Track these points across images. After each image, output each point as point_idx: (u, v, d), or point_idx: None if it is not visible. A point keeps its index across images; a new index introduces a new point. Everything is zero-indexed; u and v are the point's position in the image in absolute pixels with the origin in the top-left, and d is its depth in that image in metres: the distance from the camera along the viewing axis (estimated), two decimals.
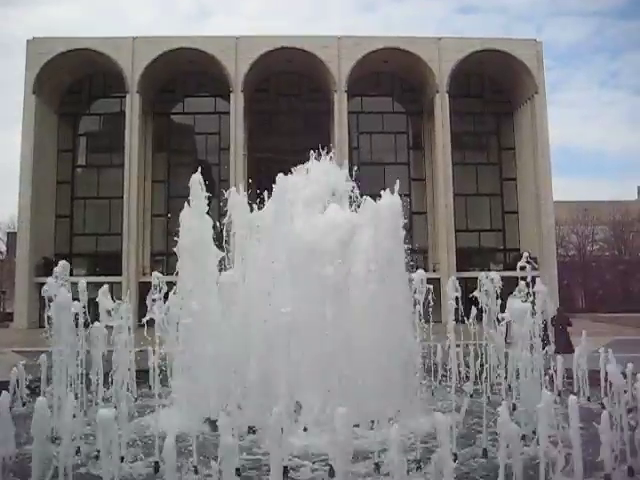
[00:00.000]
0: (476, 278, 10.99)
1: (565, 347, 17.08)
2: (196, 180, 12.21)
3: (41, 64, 51.76)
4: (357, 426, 8.69)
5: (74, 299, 9.72)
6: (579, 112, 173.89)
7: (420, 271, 11.30)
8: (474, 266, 51.77)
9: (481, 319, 10.66)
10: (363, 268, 10.86)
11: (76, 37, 53.07)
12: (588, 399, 12.38)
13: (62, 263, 9.77)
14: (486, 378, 10.57)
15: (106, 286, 10.42)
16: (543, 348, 10.98)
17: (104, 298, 10.07)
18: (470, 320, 10.43)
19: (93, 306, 10.52)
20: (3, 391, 6.36)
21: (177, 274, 11.86)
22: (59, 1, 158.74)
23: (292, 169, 12.24)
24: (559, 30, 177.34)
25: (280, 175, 11.41)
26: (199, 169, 12.41)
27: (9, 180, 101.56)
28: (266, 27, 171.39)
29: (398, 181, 11.50)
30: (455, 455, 7.59)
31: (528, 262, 11.10)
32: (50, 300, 9.28)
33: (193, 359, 10.83)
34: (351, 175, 12.30)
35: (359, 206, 11.77)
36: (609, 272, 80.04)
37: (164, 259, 51.12)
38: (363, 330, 10.26)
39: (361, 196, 11.93)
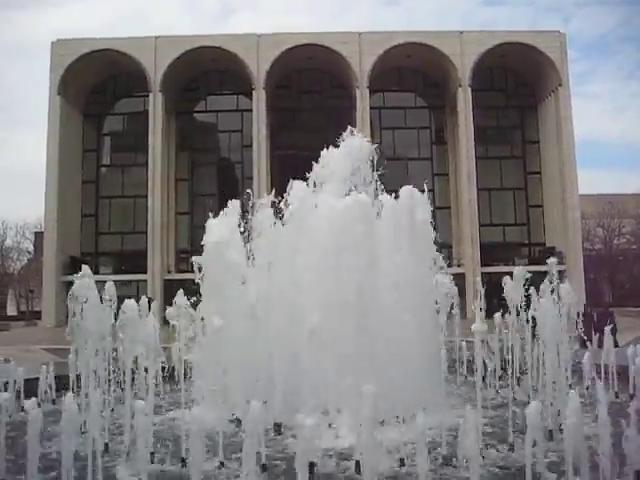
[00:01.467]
0: (501, 273, 10.92)
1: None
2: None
3: (65, 65, 52.28)
4: (382, 423, 8.69)
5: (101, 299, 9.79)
6: (605, 103, 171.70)
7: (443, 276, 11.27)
8: (499, 261, 51.41)
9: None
10: (387, 264, 10.84)
11: (99, 38, 53.50)
12: (616, 395, 12.26)
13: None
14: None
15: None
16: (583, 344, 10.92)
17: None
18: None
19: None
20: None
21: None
22: (83, 2, 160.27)
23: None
24: (586, 21, 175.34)
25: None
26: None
27: (35, 180, 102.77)
28: (289, 24, 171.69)
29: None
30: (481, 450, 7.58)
31: None
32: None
33: (220, 358, 10.90)
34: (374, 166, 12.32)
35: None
36: (637, 266, 79.02)
37: (189, 257, 51.40)
38: (388, 326, 10.25)
39: (384, 192, 11.93)
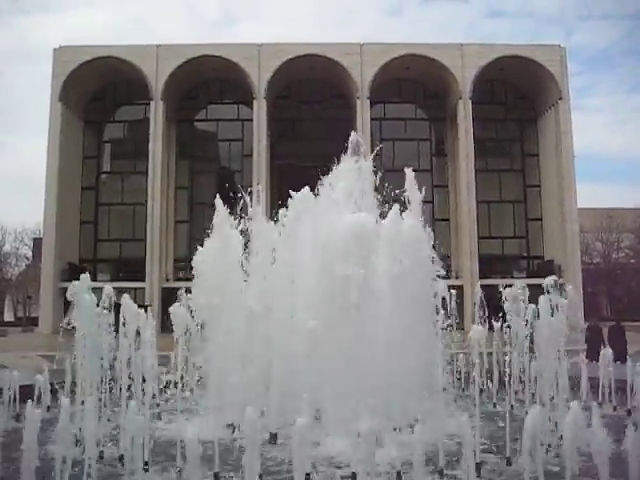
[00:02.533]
0: (499, 286, 10.92)
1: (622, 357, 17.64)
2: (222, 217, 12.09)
3: (67, 72, 52.39)
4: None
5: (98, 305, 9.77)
6: (607, 117, 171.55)
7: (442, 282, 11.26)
8: (497, 273, 51.37)
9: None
10: (385, 276, 10.82)
11: (101, 45, 53.66)
12: (614, 408, 12.22)
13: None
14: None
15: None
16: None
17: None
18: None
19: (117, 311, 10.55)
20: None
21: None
22: (88, 9, 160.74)
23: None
24: (589, 34, 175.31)
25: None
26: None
27: (35, 186, 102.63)
28: (291, 33, 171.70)
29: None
30: (478, 464, 7.54)
31: None
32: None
33: (216, 366, 10.90)
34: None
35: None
36: (635, 280, 78.98)
37: (187, 265, 51.34)
38: (386, 336, 10.23)
39: (384, 202, 11.96)
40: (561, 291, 10.56)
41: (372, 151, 13.63)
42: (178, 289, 12.26)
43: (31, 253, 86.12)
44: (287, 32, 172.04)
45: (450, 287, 11.81)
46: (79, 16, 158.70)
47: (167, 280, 52.61)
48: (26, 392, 11.96)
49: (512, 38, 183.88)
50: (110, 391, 10.32)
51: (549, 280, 10.47)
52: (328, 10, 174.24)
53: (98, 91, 57.00)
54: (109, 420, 10.16)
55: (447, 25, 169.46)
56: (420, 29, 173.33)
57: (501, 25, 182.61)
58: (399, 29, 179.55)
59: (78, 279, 9.39)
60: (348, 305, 9.70)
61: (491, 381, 13.27)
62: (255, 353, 10.76)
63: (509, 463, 8.22)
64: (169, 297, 11.20)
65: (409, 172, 11.67)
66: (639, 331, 43.68)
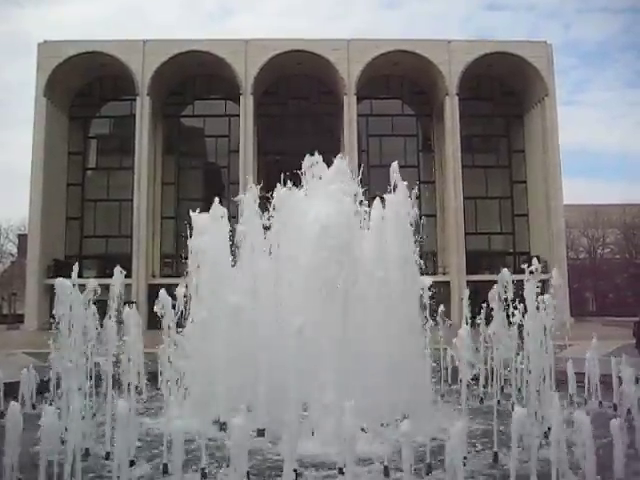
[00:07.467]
0: (486, 281, 10.98)
1: None
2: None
3: (52, 67, 51.95)
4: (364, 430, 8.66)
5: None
6: (603, 112, 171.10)
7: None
8: (484, 269, 51.53)
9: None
10: (371, 270, 10.84)
11: (86, 40, 53.24)
12: (600, 403, 12.30)
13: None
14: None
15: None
16: None
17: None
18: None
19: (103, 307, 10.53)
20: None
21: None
22: (82, 1, 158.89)
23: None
24: (587, 28, 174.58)
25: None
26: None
27: (20, 182, 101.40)
28: (287, 26, 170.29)
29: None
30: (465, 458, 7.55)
31: None
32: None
33: (204, 362, 10.87)
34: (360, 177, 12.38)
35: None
36: (620, 275, 79.51)
37: (173, 261, 51.16)
38: (372, 333, 10.24)
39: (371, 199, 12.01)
40: (546, 287, 10.61)
41: (359, 147, 13.58)
42: (164, 286, 12.21)
43: (16, 249, 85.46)
44: (284, 24, 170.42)
45: (436, 283, 11.82)
46: (73, 8, 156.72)
47: (153, 277, 52.41)
48: (12, 389, 11.89)
49: (510, 31, 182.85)
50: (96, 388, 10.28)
51: (535, 263, 10.54)
52: (323, 3, 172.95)
53: (84, 86, 56.55)
54: (94, 415, 10.11)
55: (445, 18, 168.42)
56: (418, 22, 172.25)
57: (499, 18, 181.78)
58: (397, 22, 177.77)
59: (63, 276, 9.34)
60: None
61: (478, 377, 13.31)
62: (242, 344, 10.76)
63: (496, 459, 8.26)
64: (155, 294, 11.15)
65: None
66: (625, 326, 44.00)
